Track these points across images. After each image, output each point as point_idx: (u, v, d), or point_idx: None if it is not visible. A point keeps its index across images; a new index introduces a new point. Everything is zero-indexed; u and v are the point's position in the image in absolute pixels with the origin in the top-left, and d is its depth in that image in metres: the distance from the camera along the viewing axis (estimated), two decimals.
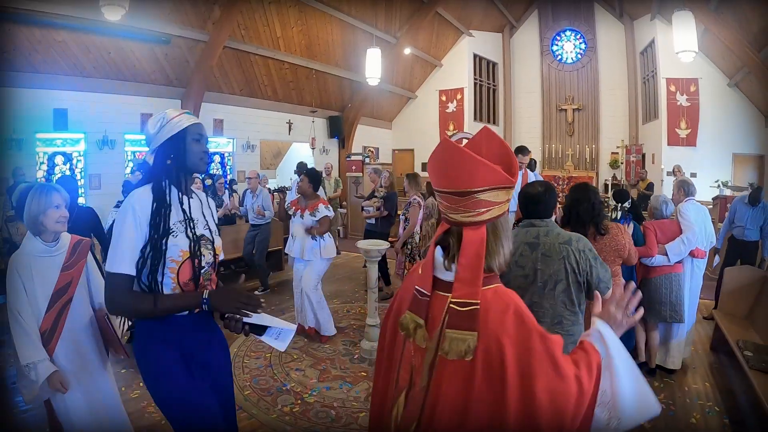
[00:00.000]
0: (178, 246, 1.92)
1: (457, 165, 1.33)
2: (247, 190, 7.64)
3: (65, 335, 2.48)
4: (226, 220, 8.30)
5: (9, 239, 5.00)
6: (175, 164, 2.00)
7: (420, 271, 1.49)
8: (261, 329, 1.98)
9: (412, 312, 1.44)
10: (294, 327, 2.05)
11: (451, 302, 1.34)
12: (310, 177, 5.30)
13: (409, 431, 1.39)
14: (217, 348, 2.11)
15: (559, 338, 1.32)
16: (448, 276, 1.41)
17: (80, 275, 2.58)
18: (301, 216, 5.23)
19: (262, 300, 1.90)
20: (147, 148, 2.04)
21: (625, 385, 1.32)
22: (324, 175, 11.14)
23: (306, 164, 7.89)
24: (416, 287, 1.45)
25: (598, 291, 2.29)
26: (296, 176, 7.68)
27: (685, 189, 4.83)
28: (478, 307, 1.31)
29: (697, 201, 4.82)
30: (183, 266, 1.93)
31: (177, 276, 1.92)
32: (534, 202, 2.71)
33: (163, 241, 1.89)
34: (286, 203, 7.06)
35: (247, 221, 7.79)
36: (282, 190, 5.82)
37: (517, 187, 5.64)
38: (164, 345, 1.92)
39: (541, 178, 8.06)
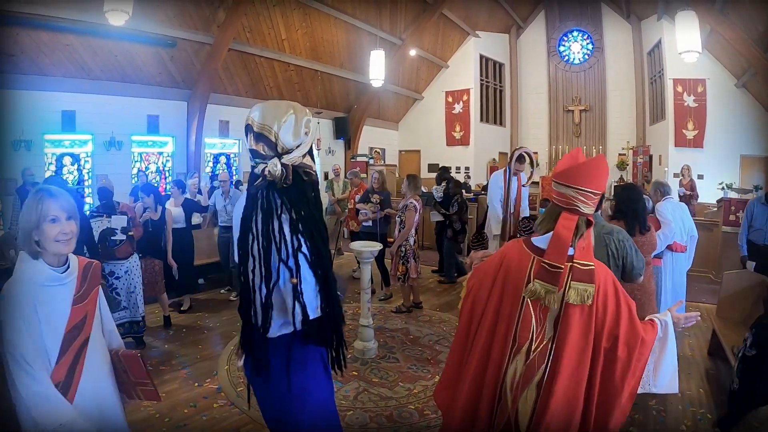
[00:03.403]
0: None
1: (604, 173, 1.94)
2: (218, 191, 7.27)
3: (84, 386, 1.85)
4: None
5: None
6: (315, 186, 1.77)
7: (548, 251, 1.88)
8: None
9: (542, 281, 1.85)
10: None
11: (574, 263, 1.85)
12: None
13: (531, 383, 1.82)
14: None
15: (634, 303, 1.91)
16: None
17: (95, 308, 1.98)
18: None
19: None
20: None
21: (667, 361, 1.92)
22: (333, 176, 11.16)
23: None
24: (544, 261, 1.87)
25: (631, 276, 2.95)
26: None
27: (661, 190, 5.16)
28: (593, 267, 1.85)
29: (674, 199, 5.26)
30: None
31: None
32: None
33: None
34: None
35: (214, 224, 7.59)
36: None
37: (513, 190, 5.75)
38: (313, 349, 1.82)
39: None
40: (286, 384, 1.74)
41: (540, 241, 1.95)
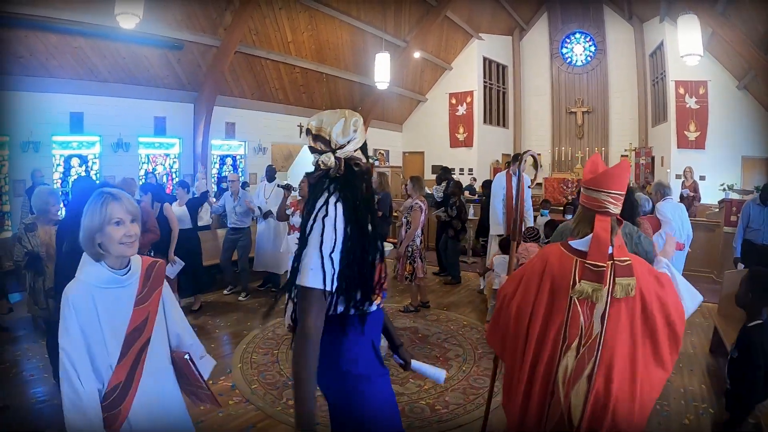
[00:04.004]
0: None
1: (627, 175, 2.19)
2: (227, 193, 7.27)
3: (144, 388, 1.84)
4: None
5: (31, 252, 4.57)
6: (365, 175, 1.91)
7: (591, 252, 2.08)
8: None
9: (589, 281, 2.04)
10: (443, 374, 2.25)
11: (614, 260, 2.05)
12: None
13: (581, 377, 2.01)
14: None
15: (667, 276, 2.22)
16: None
17: (158, 308, 1.96)
18: (301, 216, 5.35)
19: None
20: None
21: (683, 287, 2.24)
22: None
23: (275, 168, 7.82)
24: (587, 262, 2.07)
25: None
26: (266, 182, 7.53)
27: (661, 191, 5.36)
28: (631, 262, 2.06)
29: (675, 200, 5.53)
30: None
31: None
32: None
33: None
34: (255, 206, 7.13)
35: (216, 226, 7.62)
36: (288, 188, 5.99)
37: (514, 190, 5.89)
38: (367, 350, 1.88)
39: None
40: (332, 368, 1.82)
41: (579, 244, 2.14)
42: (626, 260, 2.07)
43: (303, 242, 1.80)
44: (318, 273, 1.70)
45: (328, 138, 1.84)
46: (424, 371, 2.18)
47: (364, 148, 1.94)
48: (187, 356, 2.02)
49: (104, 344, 1.77)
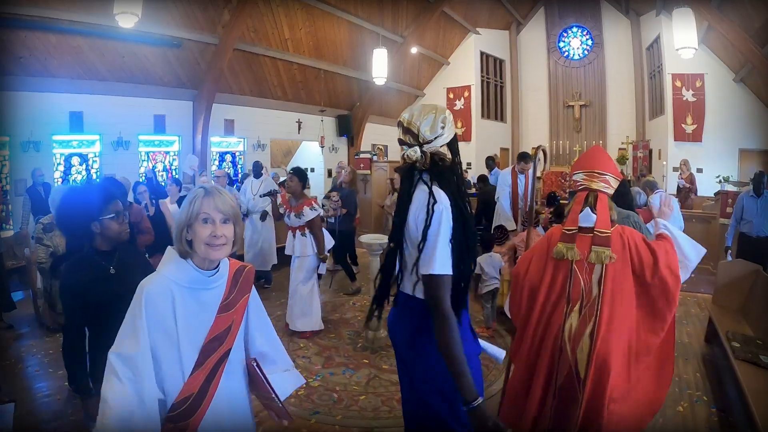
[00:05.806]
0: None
1: (603, 157, 2.63)
2: None
3: (217, 402, 1.67)
4: None
5: (54, 253, 4.46)
6: (455, 169, 2.00)
7: (566, 221, 2.56)
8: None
9: (563, 242, 2.49)
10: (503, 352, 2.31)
11: (595, 231, 2.43)
12: (299, 176, 5.27)
13: (584, 335, 2.34)
14: None
15: (661, 243, 2.51)
16: (588, 224, 2.50)
17: (242, 318, 1.79)
18: (288, 216, 5.26)
19: None
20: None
21: (684, 245, 2.61)
22: (336, 172, 11.37)
23: (261, 164, 7.79)
24: (564, 229, 2.53)
25: None
26: (252, 178, 7.47)
27: (650, 186, 5.66)
28: (609, 234, 2.41)
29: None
30: None
31: None
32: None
33: None
34: (245, 200, 7.18)
35: None
36: (273, 194, 5.77)
37: (522, 187, 6.04)
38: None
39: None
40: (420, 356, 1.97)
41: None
42: (605, 233, 2.42)
43: (399, 230, 1.97)
44: (447, 260, 1.83)
45: (416, 132, 1.94)
46: (485, 348, 2.22)
47: (453, 144, 2.02)
48: (254, 362, 1.83)
49: (177, 349, 1.61)
